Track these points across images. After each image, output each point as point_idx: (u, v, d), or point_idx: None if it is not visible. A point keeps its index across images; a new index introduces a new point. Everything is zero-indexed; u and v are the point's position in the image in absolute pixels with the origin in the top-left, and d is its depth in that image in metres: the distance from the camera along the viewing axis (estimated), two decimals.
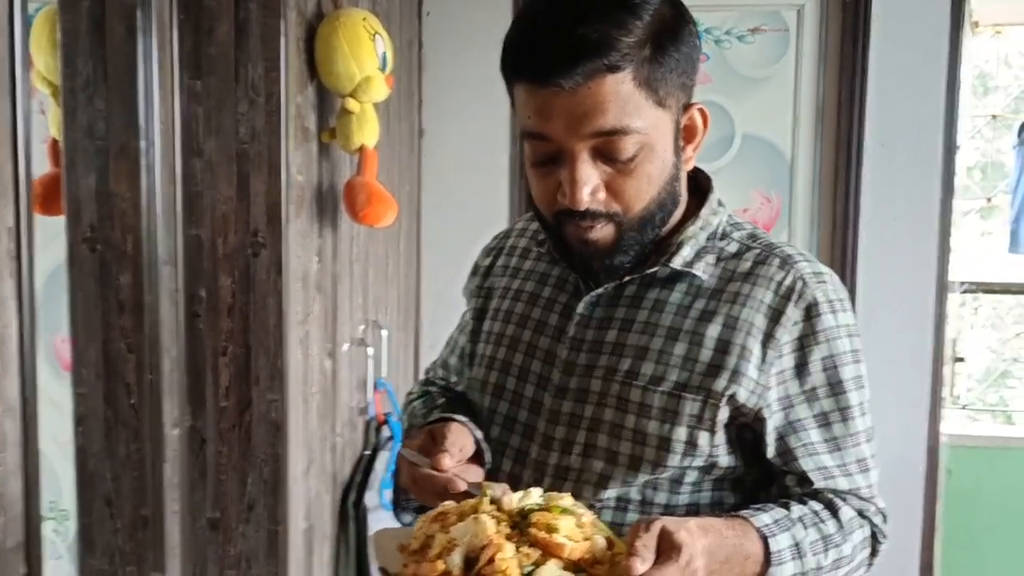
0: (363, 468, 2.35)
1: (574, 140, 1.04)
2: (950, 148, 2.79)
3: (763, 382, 1.10)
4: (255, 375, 1.86)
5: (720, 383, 1.09)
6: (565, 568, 0.90)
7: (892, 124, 2.79)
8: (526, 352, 1.20)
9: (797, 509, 1.08)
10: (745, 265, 1.14)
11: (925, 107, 2.78)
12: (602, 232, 1.09)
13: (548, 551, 0.90)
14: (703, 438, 1.10)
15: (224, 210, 1.82)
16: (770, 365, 1.10)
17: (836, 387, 1.12)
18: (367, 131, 1.96)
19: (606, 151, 1.05)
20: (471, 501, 0.97)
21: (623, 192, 1.07)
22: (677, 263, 1.14)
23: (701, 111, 1.14)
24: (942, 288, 2.85)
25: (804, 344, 1.11)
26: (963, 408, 4.18)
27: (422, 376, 1.50)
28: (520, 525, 0.93)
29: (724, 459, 1.13)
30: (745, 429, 1.13)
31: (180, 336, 1.82)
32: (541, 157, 1.08)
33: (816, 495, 1.12)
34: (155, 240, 1.74)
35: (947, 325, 2.93)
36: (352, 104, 1.92)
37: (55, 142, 1.79)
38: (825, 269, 1.17)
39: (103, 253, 1.73)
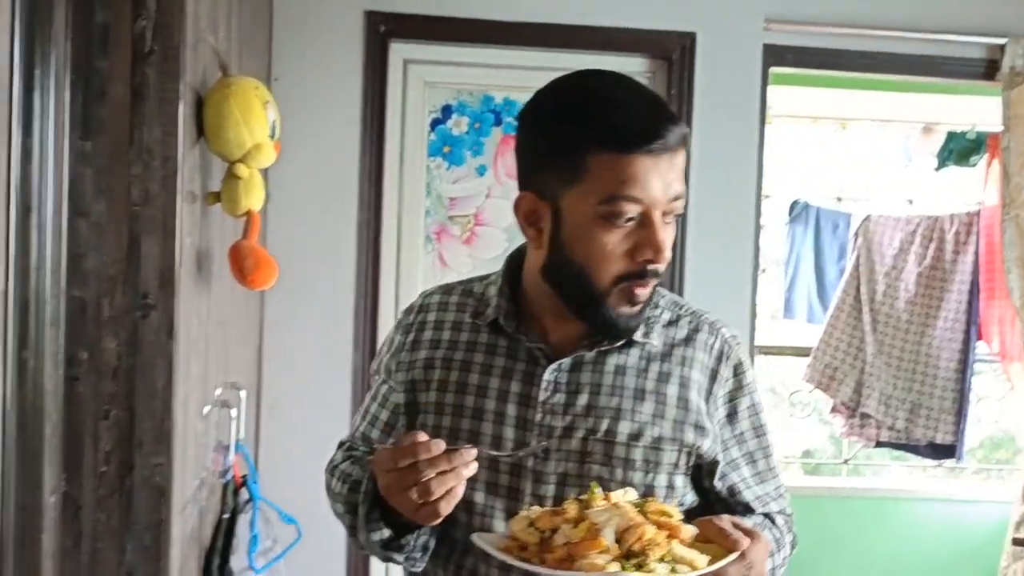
0: (224, 531, 2.32)
1: (663, 201, 1.17)
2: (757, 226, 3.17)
3: (713, 432, 1.30)
4: (139, 439, 1.83)
5: (689, 436, 1.27)
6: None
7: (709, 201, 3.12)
8: (494, 420, 1.27)
9: (755, 518, 1.32)
10: (682, 332, 1.34)
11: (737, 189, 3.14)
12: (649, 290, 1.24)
13: (671, 533, 1.07)
14: (679, 480, 1.29)
15: (111, 272, 1.80)
16: (711, 416, 1.30)
17: (758, 430, 1.35)
18: (254, 196, 2.00)
19: (667, 213, 1.19)
20: (584, 497, 1.11)
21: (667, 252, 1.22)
22: (637, 335, 1.29)
23: None
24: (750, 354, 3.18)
25: (733, 396, 1.33)
26: None
27: (336, 450, 1.49)
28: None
29: (688, 497, 1.32)
30: (697, 469, 1.32)
31: (59, 399, 1.77)
32: (625, 220, 1.17)
33: (754, 514, 1.34)
34: (41, 302, 1.69)
35: None
36: (242, 170, 1.95)
37: None
38: (736, 331, 1.39)
39: None
